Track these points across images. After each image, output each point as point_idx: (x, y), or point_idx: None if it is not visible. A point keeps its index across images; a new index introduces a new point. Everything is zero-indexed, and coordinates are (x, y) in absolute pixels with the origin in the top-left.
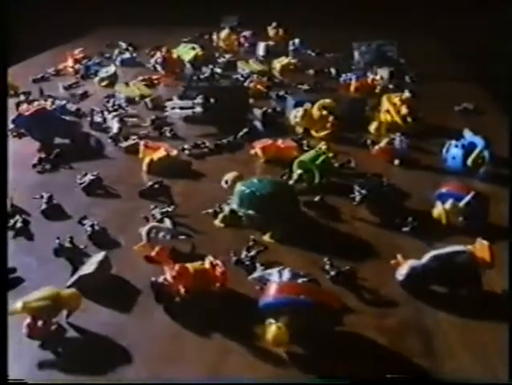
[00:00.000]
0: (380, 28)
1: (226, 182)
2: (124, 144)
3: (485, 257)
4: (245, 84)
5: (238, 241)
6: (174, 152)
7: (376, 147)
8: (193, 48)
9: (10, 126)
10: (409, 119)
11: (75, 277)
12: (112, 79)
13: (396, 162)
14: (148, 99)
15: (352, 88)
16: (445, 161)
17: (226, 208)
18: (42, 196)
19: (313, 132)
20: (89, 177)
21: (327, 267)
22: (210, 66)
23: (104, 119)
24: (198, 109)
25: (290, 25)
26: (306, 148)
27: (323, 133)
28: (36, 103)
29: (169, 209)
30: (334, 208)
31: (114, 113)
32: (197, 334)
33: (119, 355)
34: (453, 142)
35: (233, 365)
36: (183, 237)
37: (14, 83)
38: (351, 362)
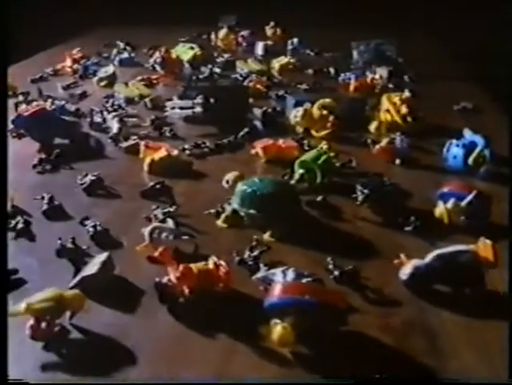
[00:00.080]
0: (380, 28)
1: (227, 182)
2: (124, 144)
3: (489, 257)
4: (245, 84)
5: (241, 241)
6: (175, 152)
7: (377, 146)
8: (192, 48)
9: (10, 126)
10: (409, 119)
11: (78, 277)
12: (111, 79)
13: (397, 161)
14: (147, 99)
15: (351, 88)
16: (446, 160)
17: (228, 209)
18: (43, 197)
19: (313, 132)
20: (90, 178)
21: (330, 267)
22: (209, 66)
23: (104, 120)
24: (198, 109)
25: (288, 24)
26: (306, 148)
27: (323, 133)
28: (35, 103)
29: (171, 210)
30: (336, 208)
31: (114, 113)
32: (202, 334)
33: (123, 356)
34: (454, 141)
35: (238, 365)
36: (186, 237)
37: (12, 83)
38: (355, 362)
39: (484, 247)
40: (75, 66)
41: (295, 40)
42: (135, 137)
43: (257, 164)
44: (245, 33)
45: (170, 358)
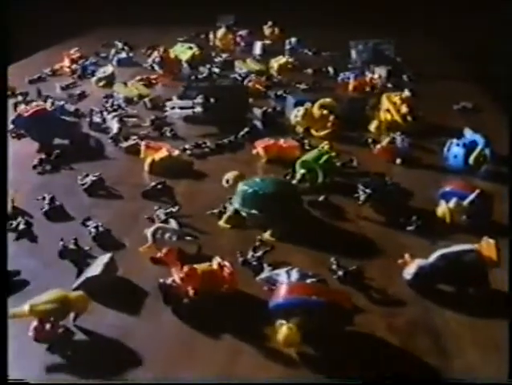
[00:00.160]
0: (380, 28)
1: (227, 181)
2: (125, 145)
3: (492, 256)
4: (244, 84)
5: (243, 241)
6: (176, 152)
7: (378, 146)
8: (190, 48)
9: (10, 127)
10: (409, 118)
11: (82, 279)
12: (110, 79)
13: (398, 161)
14: (147, 99)
15: (351, 87)
16: (447, 160)
17: (230, 209)
18: (43, 198)
19: (313, 132)
20: (91, 178)
21: (334, 267)
22: (208, 66)
23: (104, 120)
24: (198, 109)
25: (286, 24)
26: (307, 148)
27: (323, 132)
28: (34, 103)
29: (173, 210)
30: (338, 208)
31: (114, 113)
32: (206, 335)
33: (128, 357)
34: (455, 140)
35: (243, 366)
36: (189, 237)
37: (10, 83)
38: (361, 362)
39: (487, 246)
40: (74, 66)
41: (293, 40)
42: (135, 137)
43: (258, 163)
44: (243, 32)
45: (175, 359)
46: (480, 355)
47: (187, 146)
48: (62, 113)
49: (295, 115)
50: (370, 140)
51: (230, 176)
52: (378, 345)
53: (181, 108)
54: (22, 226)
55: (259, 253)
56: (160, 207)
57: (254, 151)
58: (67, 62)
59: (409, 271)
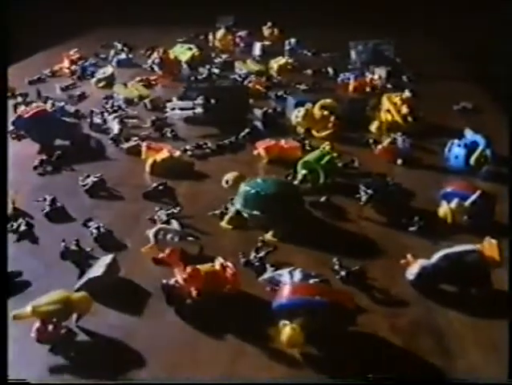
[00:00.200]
0: (380, 28)
1: (227, 182)
2: (126, 145)
3: (495, 256)
4: (244, 84)
5: (245, 242)
6: (177, 153)
7: (379, 146)
8: (190, 48)
9: (10, 128)
10: (410, 119)
11: (84, 280)
12: (110, 80)
13: (399, 162)
14: (147, 100)
15: (351, 88)
16: (448, 160)
17: (232, 210)
18: (45, 199)
19: (314, 132)
20: (92, 179)
21: (337, 267)
22: (207, 67)
23: (104, 121)
24: (199, 110)
25: (285, 24)
26: (308, 148)
27: (324, 133)
28: (34, 104)
29: (175, 211)
30: (340, 208)
31: (114, 114)
32: (209, 335)
33: (130, 358)
34: (455, 141)
35: (246, 366)
36: (191, 238)
37: (10, 84)
38: (364, 362)
39: (489, 246)
40: (73, 67)
41: (293, 40)
42: (136, 138)
43: (259, 164)
44: (242, 33)
45: (178, 360)
46: (482, 355)
47: (188, 147)
48: (62, 114)
49: (296, 115)
50: (371, 141)
51: (230, 176)
52: (381, 345)
53: (182, 109)
54: (23, 227)
55: (261, 254)
56: (161, 208)
57: (255, 152)
58: (66, 63)
59: (412, 271)
